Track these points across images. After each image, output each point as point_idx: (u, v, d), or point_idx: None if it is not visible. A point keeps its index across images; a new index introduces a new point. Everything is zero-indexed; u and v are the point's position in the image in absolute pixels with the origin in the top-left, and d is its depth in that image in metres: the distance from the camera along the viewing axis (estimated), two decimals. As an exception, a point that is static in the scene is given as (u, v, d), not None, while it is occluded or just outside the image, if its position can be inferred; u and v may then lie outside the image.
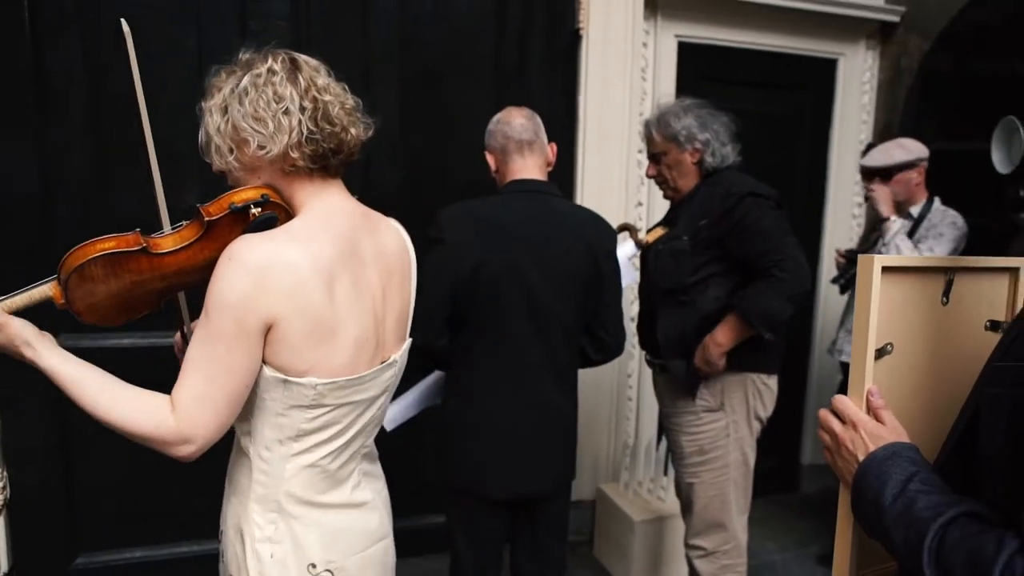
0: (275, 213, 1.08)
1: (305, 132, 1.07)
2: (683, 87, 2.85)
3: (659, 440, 2.78)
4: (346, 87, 1.19)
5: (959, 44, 2.89)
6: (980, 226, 2.51)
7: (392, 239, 1.25)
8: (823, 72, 3.14)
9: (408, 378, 1.97)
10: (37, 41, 2.09)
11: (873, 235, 2.64)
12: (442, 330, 1.72)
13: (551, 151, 1.86)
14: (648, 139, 2.08)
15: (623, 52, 2.70)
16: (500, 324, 1.71)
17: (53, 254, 1.13)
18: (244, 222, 1.07)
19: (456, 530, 1.84)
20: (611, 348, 1.87)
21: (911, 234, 2.49)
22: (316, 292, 1.02)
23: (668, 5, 2.78)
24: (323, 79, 1.13)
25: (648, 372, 2.94)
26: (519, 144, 1.79)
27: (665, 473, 2.74)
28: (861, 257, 0.88)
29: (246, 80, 1.07)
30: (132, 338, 2.29)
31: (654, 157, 2.07)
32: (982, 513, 0.73)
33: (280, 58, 1.09)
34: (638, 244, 2.15)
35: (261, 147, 1.06)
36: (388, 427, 1.98)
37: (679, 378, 2.00)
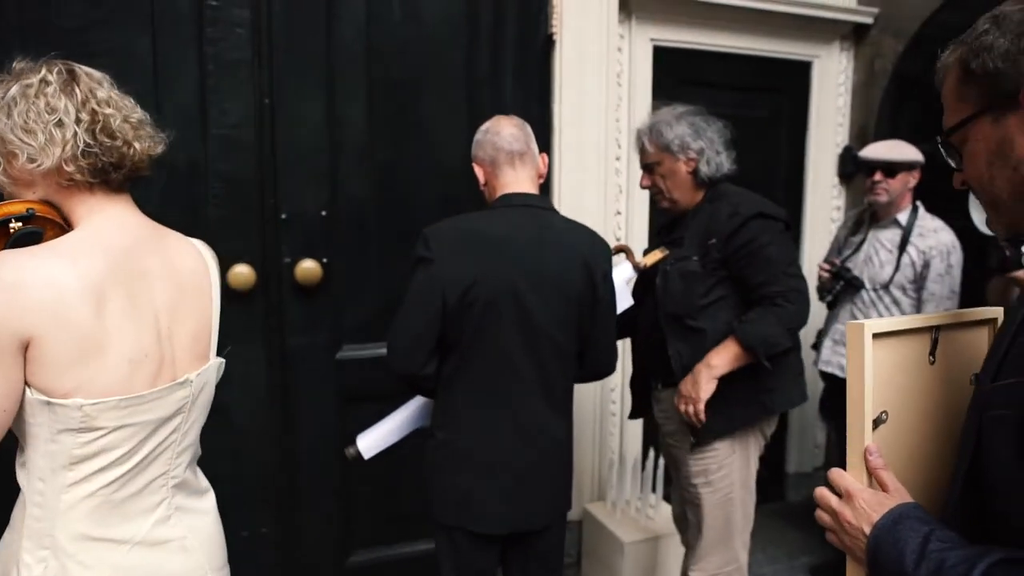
0: (40, 228, 1.05)
1: (81, 145, 1.03)
2: (659, 92, 2.79)
3: (645, 457, 2.70)
4: (133, 101, 1.16)
5: (933, 46, 2.85)
6: (956, 228, 2.48)
7: (187, 256, 1.22)
8: (798, 75, 3.11)
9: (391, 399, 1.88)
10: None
11: (855, 238, 2.59)
12: (428, 358, 1.61)
13: (542, 162, 1.77)
14: (640, 149, 2.01)
15: (598, 57, 2.63)
16: (491, 348, 1.61)
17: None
18: (5, 236, 1.03)
19: (445, 564, 1.73)
20: (604, 369, 1.79)
21: (903, 246, 2.44)
22: (80, 308, 0.99)
23: (642, 8, 2.72)
24: (105, 92, 1.10)
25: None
26: (510, 155, 1.69)
27: (653, 490, 2.65)
28: (850, 325, 0.84)
29: (14, 90, 1.03)
30: None
31: (647, 167, 2.00)
32: (1017, 557, 0.70)
33: (56, 69, 1.06)
34: (635, 267, 2.05)
35: (31, 160, 1.02)
36: (366, 455, 1.87)
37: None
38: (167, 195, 2.14)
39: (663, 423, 2.10)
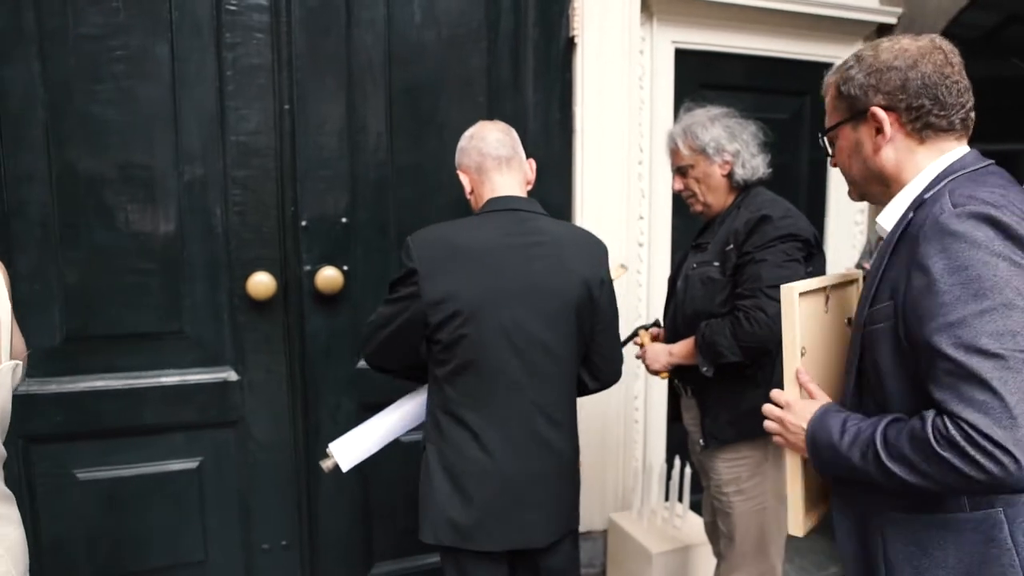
0: None
1: None
2: (681, 95, 2.75)
3: (670, 465, 2.65)
4: None
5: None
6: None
7: None
8: (820, 76, 3.03)
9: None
10: (-8, 59, 1.92)
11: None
12: (398, 364, 1.65)
13: (530, 168, 1.72)
14: (673, 151, 1.96)
15: (619, 60, 2.59)
16: (480, 361, 1.56)
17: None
18: None
19: None
20: (608, 377, 1.74)
21: None
22: None
23: (664, 11, 2.68)
24: None
25: (655, 395, 2.82)
26: (496, 161, 1.64)
27: (680, 499, 2.60)
28: (783, 288, 1.23)
29: None
30: (105, 380, 2.10)
31: (680, 170, 1.96)
32: (900, 416, 1.05)
33: None
34: None
35: None
36: (344, 468, 1.81)
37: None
38: (185, 202, 2.12)
39: (692, 431, 2.05)
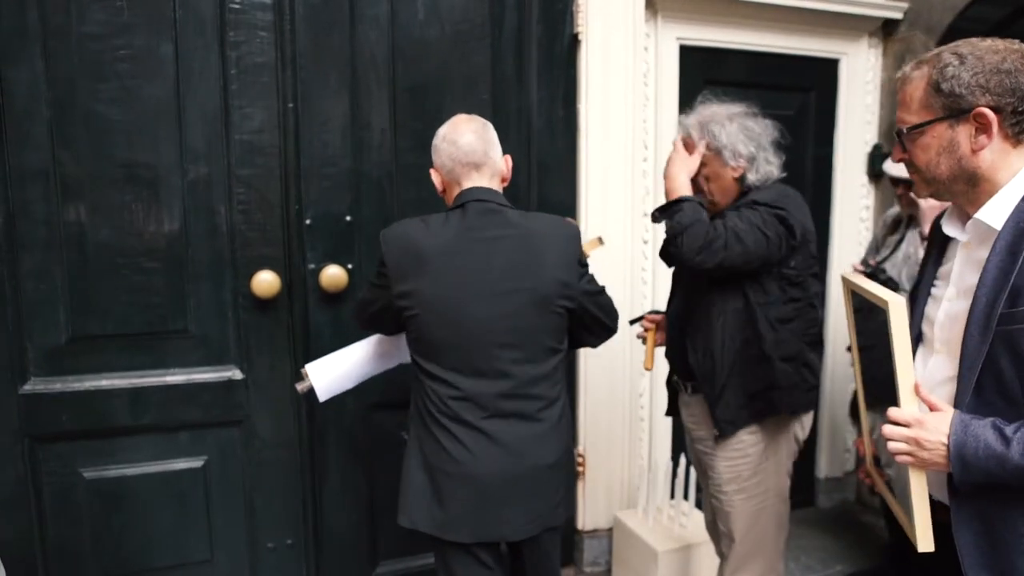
0: None
1: None
2: (685, 91, 2.74)
3: (676, 463, 2.64)
4: None
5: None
6: None
7: None
8: (826, 72, 3.05)
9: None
10: (-3, 58, 1.91)
11: (893, 238, 2.52)
12: (389, 332, 1.78)
13: (506, 165, 1.71)
14: (684, 141, 1.93)
15: (624, 56, 2.57)
16: (449, 360, 1.58)
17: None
18: None
19: (439, 572, 1.73)
20: (605, 337, 1.78)
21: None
22: None
23: (668, 8, 2.66)
24: None
25: (661, 393, 2.81)
26: (467, 167, 1.64)
27: (686, 497, 2.59)
28: (893, 303, 1.16)
29: None
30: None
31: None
32: None
33: None
34: None
35: None
36: (320, 395, 1.85)
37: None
38: (190, 201, 2.11)
39: (691, 428, 2.04)
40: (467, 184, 1.64)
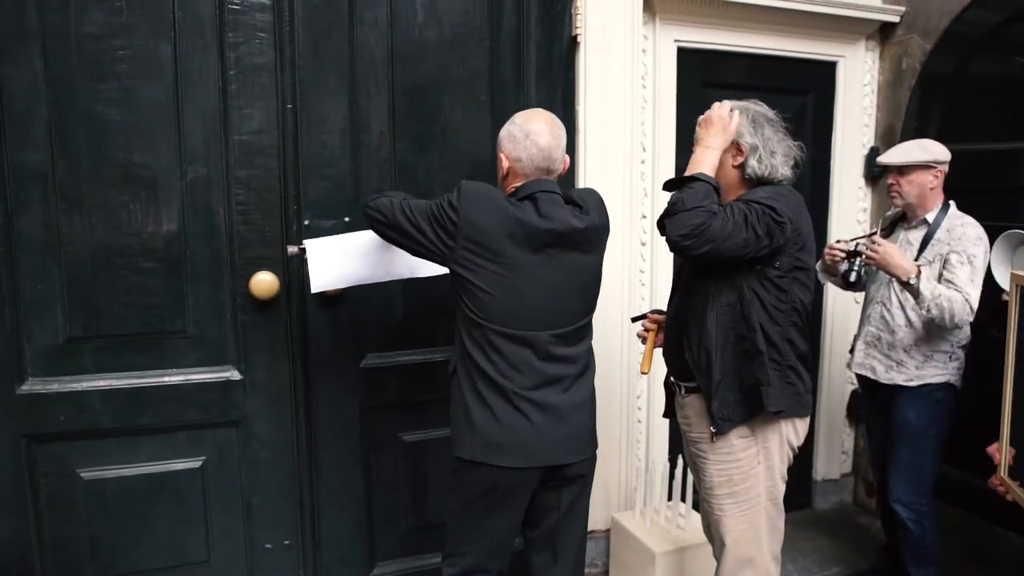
0: None
1: None
2: (683, 94, 2.75)
3: (673, 464, 2.64)
4: None
5: (962, 44, 2.82)
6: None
7: None
8: (823, 75, 3.06)
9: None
10: (-5, 58, 1.91)
11: (891, 238, 2.52)
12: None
13: (566, 164, 1.85)
14: (696, 131, 1.92)
15: (622, 59, 2.58)
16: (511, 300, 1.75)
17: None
18: None
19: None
20: None
21: (925, 242, 2.38)
22: None
23: (666, 10, 2.67)
24: None
25: (658, 394, 2.81)
26: (538, 171, 1.79)
27: (683, 499, 2.60)
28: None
29: None
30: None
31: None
32: None
33: None
34: None
35: None
36: (314, 279, 1.97)
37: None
38: (188, 201, 2.11)
39: (686, 430, 2.04)
40: (534, 177, 1.79)
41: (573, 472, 1.87)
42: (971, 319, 2.23)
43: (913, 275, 2.19)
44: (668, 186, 1.84)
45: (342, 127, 2.24)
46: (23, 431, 2.04)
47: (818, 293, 3.10)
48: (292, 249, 1.97)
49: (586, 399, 1.88)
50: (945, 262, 2.30)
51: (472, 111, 2.41)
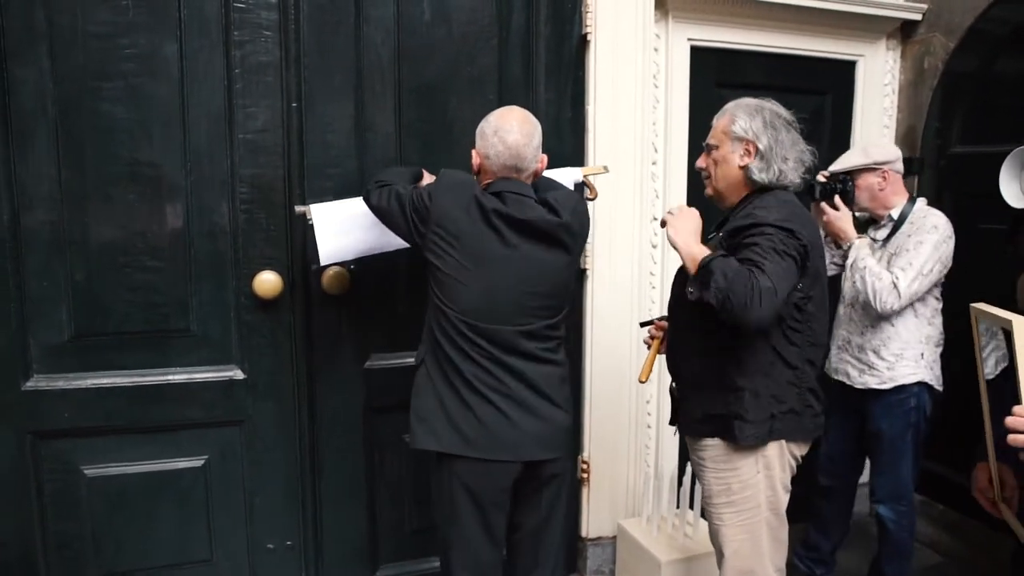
0: None
1: None
2: (696, 93, 2.70)
3: (681, 472, 2.59)
4: None
5: (987, 42, 2.74)
6: (1000, 232, 2.35)
7: None
8: (842, 74, 2.98)
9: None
10: (3, 55, 1.92)
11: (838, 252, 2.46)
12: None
13: (541, 164, 1.86)
14: (712, 127, 1.87)
15: (633, 58, 2.54)
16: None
17: None
18: None
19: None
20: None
21: (889, 236, 2.35)
22: None
23: (679, 8, 2.62)
24: None
25: (668, 400, 2.76)
26: (508, 169, 1.80)
27: (691, 507, 2.55)
28: (1017, 321, 1.20)
29: None
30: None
31: (707, 147, 1.86)
32: None
33: None
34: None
35: None
36: (321, 246, 2.00)
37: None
38: (193, 200, 2.11)
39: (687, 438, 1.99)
40: (502, 176, 1.81)
41: (547, 472, 1.88)
42: (897, 304, 2.21)
43: (853, 239, 2.28)
44: (691, 293, 1.63)
45: (348, 126, 2.23)
46: (28, 427, 2.05)
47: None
48: (299, 208, 2.03)
49: (557, 398, 1.87)
50: (902, 248, 2.29)
51: (480, 110, 2.35)
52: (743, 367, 1.72)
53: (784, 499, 1.84)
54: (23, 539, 2.09)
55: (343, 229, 2.01)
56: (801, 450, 1.84)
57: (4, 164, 1.95)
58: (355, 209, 2.01)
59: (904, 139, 3.05)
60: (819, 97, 2.98)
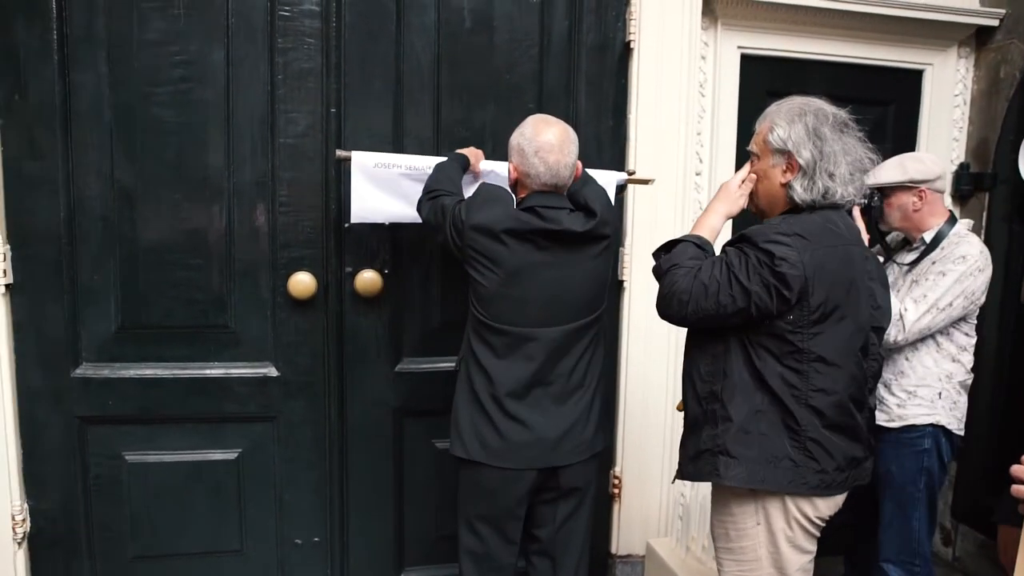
0: None
1: None
2: (746, 103, 2.61)
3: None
4: None
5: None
6: None
7: None
8: (907, 85, 2.83)
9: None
10: (65, 61, 2.04)
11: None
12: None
13: (577, 172, 1.87)
14: (755, 132, 1.68)
15: (679, 67, 2.48)
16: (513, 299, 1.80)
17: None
18: None
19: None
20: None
21: (916, 262, 2.10)
22: None
23: (729, 15, 2.54)
24: None
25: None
26: (545, 185, 1.81)
27: (723, 530, 2.45)
28: None
29: None
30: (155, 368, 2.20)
31: (751, 155, 1.69)
32: None
33: None
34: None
35: None
36: (353, 218, 2.07)
37: None
38: (235, 201, 2.19)
39: None
40: (539, 190, 1.82)
41: (567, 484, 1.87)
42: (901, 338, 1.99)
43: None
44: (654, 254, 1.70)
45: (385, 131, 2.26)
46: (75, 412, 2.17)
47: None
48: (341, 153, 2.06)
49: (584, 409, 1.86)
50: (914, 282, 2.07)
51: (518, 118, 2.33)
52: (735, 403, 1.56)
53: (794, 559, 1.61)
54: (69, 517, 2.20)
55: (379, 186, 2.04)
56: (815, 508, 1.60)
57: (63, 164, 2.07)
58: (395, 168, 2.04)
59: (975, 152, 2.86)
60: (881, 108, 2.83)
